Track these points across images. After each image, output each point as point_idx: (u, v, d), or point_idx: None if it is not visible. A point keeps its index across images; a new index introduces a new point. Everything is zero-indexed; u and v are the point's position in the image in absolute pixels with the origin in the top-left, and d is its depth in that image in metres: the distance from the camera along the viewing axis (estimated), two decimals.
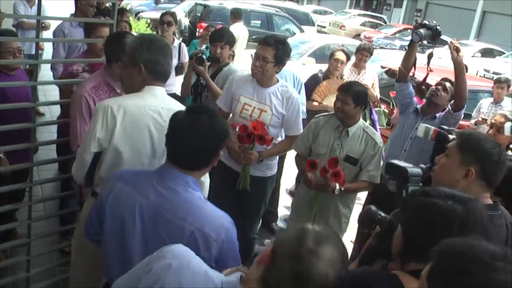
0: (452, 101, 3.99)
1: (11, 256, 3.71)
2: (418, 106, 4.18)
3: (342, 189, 3.47)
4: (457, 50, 3.77)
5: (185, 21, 15.57)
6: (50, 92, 7.36)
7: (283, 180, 5.12)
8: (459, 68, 3.80)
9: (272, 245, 1.42)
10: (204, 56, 4.25)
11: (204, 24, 10.81)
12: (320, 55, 11.44)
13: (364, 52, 6.23)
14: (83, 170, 2.49)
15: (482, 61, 18.62)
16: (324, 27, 25.61)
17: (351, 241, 5.04)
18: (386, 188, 3.71)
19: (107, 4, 5.98)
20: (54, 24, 6.50)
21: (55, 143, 4.00)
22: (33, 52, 3.37)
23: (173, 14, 6.17)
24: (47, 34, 7.27)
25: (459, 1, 27.90)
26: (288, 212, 4.07)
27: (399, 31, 24.28)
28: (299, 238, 1.37)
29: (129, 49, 2.51)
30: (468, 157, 2.16)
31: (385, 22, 28.89)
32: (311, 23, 19.10)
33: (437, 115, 4.07)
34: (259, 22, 14.87)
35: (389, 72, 8.31)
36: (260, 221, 4.37)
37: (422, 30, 3.92)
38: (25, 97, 3.54)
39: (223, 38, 4.43)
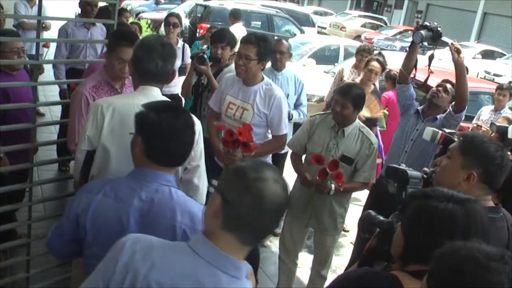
0: (453, 103, 3.99)
1: (11, 256, 3.70)
2: (419, 108, 4.18)
3: (341, 189, 3.46)
4: (458, 51, 3.77)
5: (186, 22, 15.58)
6: (50, 92, 7.36)
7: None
8: (460, 70, 3.80)
9: (218, 195, 1.51)
10: (205, 56, 4.25)
11: (204, 25, 10.81)
12: (320, 56, 11.46)
13: (364, 53, 6.20)
14: (78, 168, 2.51)
15: (483, 63, 18.66)
16: (325, 28, 25.64)
17: (351, 243, 5.05)
18: (386, 189, 3.73)
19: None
20: (54, 24, 6.52)
21: (55, 143, 4.01)
22: (34, 52, 3.37)
23: (178, 16, 6.18)
24: (48, 34, 7.28)
25: (460, 2, 27.92)
26: None
27: (400, 33, 24.27)
28: (240, 175, 1.51)
29: None
30: (470, 160, 2.16)
31: (386, 24, 28.90)
32: (311, 24, 19.09)
33: (438, 116, 4.06)
34: (259, 23, 14.88)
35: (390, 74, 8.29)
36: None
37: (423, 32, 3.92)
38: (27, 97, 3.54)
39: (224, 39, 4.43)
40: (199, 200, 2.52)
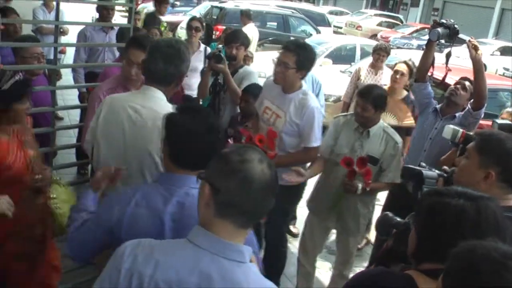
0: (472, 100, 3.95)
1: None
2: (438, 106, 4.14)
3: (367, 189, 3.43)
4: (476, 48, 3.73)
5: None
6: (68, 96, 7.45)
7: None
8: (478, 67, 3.76)
9: (206, 184, 1.53)
10: (221, 54, 4.27)
11: (220, 27, 10.83)
12: (337, 56, 11.41)
13: (381, 52, 6.19)
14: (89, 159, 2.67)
15: (501, 60, 18.40)
16: (341, 27, 25.54)
17: (371, 243, 5.01)
18: (405, 189, 3.70)
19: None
20: (72, 29, 6.61)
21: (74, 147, 4.05)
22: (52, 57, 3.42)
23: (200, 20, 6.22)
24: (65, 39, 7.37)
25: None
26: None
27: (416, 31, 24.09)
28: (223, 160, 1.52)
29: None
30: (487, 159, 2.14)
31: (402, 22, 28.68)
32: (327, 24, 19.03)
33: (457, 114, 4.02)
34: (275, 24, 14.87)
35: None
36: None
37: (439, 29, 3.89)
38: (46, 101, 3.58)
39: (238, 39, 4.47)
40: None
